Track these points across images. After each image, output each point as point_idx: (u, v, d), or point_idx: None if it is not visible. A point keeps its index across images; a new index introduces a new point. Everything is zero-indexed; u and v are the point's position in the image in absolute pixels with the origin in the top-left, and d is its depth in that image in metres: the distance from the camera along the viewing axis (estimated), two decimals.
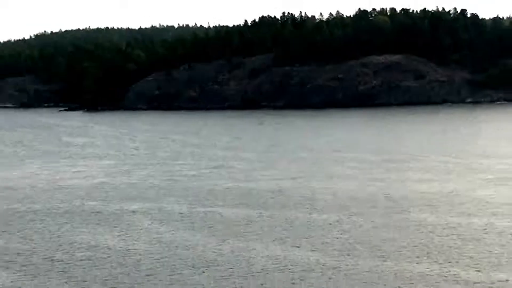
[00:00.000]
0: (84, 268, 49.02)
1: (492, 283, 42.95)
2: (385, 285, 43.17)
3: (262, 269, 47.42)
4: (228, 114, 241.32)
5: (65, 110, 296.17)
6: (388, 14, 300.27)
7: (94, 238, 57.72)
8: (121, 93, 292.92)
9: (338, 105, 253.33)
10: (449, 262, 47.50)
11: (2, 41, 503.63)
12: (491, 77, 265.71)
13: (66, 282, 45.74)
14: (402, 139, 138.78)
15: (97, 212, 69.00)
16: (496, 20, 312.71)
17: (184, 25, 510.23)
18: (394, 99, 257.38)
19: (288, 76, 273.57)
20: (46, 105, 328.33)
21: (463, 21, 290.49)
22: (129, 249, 53.77)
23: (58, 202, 75.25)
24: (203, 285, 44.31)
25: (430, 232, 56.51)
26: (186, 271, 47.52)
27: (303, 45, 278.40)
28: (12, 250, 54.40)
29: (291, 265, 47.96)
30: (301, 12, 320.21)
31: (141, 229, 60.68)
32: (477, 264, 46.99)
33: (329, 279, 44.62)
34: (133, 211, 68.57)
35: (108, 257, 51.74)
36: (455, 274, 44.84)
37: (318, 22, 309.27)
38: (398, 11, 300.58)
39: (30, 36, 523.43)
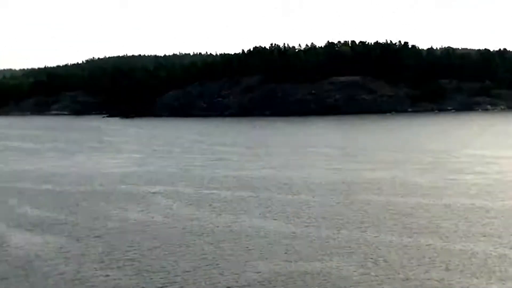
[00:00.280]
0: (115, 235, 49.09)
1: (419, 247, 43.10)
2: (339, 248, 43.30)
3: (247, 235, 47.50)
4: (228, 120, 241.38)
5: (106, 116, 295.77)
6: (350, 45, 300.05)
7: (123, 213, 57.80)
8: (149, 104, 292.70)
9: (312, 114, 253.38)
10: (388, 230, 47.64)
11: (61, 64, 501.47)
12: (426, 93, 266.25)
13: (101, 245, 45.83)
14: (357, 138, 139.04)
15: (126, 193, 69.10)
16: (430, 49, 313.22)
17: (197, 53, 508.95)
18: (353, 109, 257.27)
19: (274, 91, 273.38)
20: (93, 113, 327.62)
21: (405, 50, 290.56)
22: (149, 221, 53.83)
23: (98, 185, 75.47)
24: (204, 247, 44.44)
25: (375, 208, 56.72)
26: (191, 237, 47.58)
27: (285, 68, 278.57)
28: (61, 221, 54.50)
29: (270, 233, 48.05)
30: (284, 43, 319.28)
31: (159, 206, 60.73)
32: (409, 231, 47.14)
33: (297, 243, 44.79)
34: (153, 193, 68.64)
35: (133, 227, 51.82)
36: (390, 240, 44.99)
37: (297, 51, 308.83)
38: (357, 43, 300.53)
39: (82, 61, 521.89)
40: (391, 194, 63.96)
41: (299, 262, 40.06)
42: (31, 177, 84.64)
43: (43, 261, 42.16)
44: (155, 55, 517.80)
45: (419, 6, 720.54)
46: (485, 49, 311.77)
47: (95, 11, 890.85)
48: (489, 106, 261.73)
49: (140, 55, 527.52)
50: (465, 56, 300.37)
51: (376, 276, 36.91)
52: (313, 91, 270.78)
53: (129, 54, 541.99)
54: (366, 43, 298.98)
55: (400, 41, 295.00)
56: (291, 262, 40.19)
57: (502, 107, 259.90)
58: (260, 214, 55.50)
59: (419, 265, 38.87)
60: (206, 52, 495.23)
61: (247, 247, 44.15)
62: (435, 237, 45.45)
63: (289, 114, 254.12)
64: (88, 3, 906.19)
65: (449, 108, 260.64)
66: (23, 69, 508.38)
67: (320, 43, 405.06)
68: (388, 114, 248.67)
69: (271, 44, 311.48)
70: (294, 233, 47.94)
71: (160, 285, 36.24)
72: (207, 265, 40.04)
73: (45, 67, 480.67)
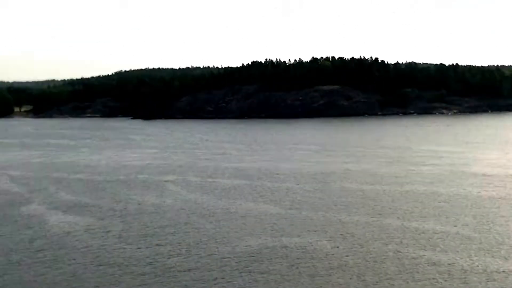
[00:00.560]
0: (133, 215, 49.26)
1: (380, 225, 43.32)
2: (315, 226, 43.50)
3: (241, 216, 47.68)
4: (231, 122, 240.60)
5: (131, 119, 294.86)
6: (330, 60, 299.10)
7: (141, 197, 57.92)
8: (166, 108, 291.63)
9: (299, 116, 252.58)
10: (356, 212, 47.86)
11: (94, 76, 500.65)
12: (393, 99, 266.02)
13: (121, 224, 46.02)
14: (336, 137, 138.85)
15: (144, 181, 69.15)
16: (396, 64, 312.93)
17: (206, 66, 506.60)
18: (333, 113, 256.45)
19: (268, 98, 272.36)
20: (120, 115, 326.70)
21: (376, 64, 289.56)
22: (161, 204, 53.98)
23: (120, 175, 75.45)
24: (205, 226, 44.62)
25: (347, 194, 56.87)
26: (195, 218, 47.78)
27: (278, 79, 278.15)
28: (89, 204, 54.63)
29: (260, 214, 48.26)
30: (277, 58, 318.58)
31: (170, 192, 60.83)
32: (373, 212, 47.37)
33: (281, 222, 45.00)
34: (166, 181, 68.66)
35: (148, 209, 51.98)
36: (357, 220, 45.19)
37: (288, 64, 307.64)
38: (336, 58, 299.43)
39: (112, 73, 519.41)
40: (361, 182, 64.13)
41: (282, 237, 40.29)
42: (67, 168, 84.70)
43: (74, 236, 42.39)
44: (172, 68, 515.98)
45: (388, 27, 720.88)
46: (441, 63, 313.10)
47: (123, 33, 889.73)
48: (444, 111, 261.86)
49: (159, 68, 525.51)
50: (425, 70, 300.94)
51: (344, 248, 37.18)
52: (300, 98, 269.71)
53: (150, 67, 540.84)
54: (344, 58, 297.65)
55: (371, 57, 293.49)
56: (275, 237, 40.41)
57: (455, 111, 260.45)
58: (252, 198, 55.65)
59: (379, 239, 39.13)
60: (213, 66, 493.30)
61: (241, 225, 44.38)
62: (394, 217, 45.69)
63: (280, 117, 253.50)
64: (116, 28, 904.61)
65: (412, 112, 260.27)
66: (64, 80, 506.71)
67: (306, 58, 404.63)
68: (362, 116, 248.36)
69: (266, 59, 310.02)
70: (279, 214, 48.15)
71: (169, 256, 36.50)
72: (207, 240, 40.26)
73: (81, 78, 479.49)
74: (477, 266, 33.01)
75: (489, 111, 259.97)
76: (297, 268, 33.36)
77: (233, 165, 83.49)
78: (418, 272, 32.01)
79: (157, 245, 39.22)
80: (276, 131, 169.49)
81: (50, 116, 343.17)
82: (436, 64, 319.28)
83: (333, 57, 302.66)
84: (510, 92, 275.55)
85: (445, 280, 30.72)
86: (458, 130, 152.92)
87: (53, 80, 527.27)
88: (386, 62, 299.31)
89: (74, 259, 36.34)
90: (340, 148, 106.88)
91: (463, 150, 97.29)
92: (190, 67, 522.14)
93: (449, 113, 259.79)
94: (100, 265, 34.98)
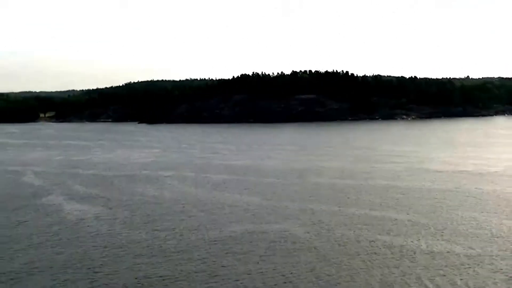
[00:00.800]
0: (136, 205, 49.24)
1: (347, 214, 43.65)
2: (291, 215, 43.74)
3: (228, 205, 47.83)
4: (223, 126, 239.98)
5: (137, 123, 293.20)
6: (308, 73, 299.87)
7: (144, 190, 57.89)
8: (168, 114, 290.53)
9: (282, 121, 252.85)
10: (327, 203, 48.13)
11: (108, 86, 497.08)
12: (361, 106, 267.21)
13: (126, 213, 46.01)
14: (312, 138, 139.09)
15: (146, 176, 69.04)
16: (364, 76, 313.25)
17: (202, 78, 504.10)
18: (310, 118, 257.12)
19: (255, 105, 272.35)
20: (128, 120, 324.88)
21: (347, 77, 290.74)
22: (161, 196, 53.98)
23: (127, 170, 75.23)
24: (197, 214, 44.71)
25: (319, 187, 57.15)
26: (190, 207, 47.86)
27: (263, 89, 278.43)
28: (99, 195, 54.52)
29: (244, 204, 48.44)
30: (262, 71, 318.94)
31: (168, 186, 60.85)
32: (341, 203, 47.68)
33: (262, 211, 45.20)
34: (166, 176, 68.57)
35: (150, 200, 51.97)
36: (328, 209, 45.50)
37: (272, 77, 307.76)
38: (313, 71, 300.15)
39: (122, 84, 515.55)
40: (331, 177, 64.43)
41: (262, 224, 40.52)
42: (82, 165, 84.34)
43: (85, 222, 42.37)
44: (173, 80, 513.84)
45: (357, 44, 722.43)
46: (402, 76, 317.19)
47: (131, 50, 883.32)
48: (404, 116, 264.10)
49: (162, 79, 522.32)
50: (388, 81, 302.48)
51: (314, 233, 37.48)
52: (282, 105, 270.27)
53: (155, 79, 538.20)
54: (319, 71, 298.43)
55: (343, 70, 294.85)
56: (256, 224, 40.63)
57: (414, 117, 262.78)
58: (238, 191, 55.77)
59: (344, 225, 39.47)
60: (209, 78, 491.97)
61: (227, 214, 44.54)
62: (358, 207, 46.06)
63: (266, 122, 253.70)
64: (123, 46, 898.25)
65: (377, 117, 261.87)
66: (81, 90, 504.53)
67: (287, 71, 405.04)
68: (334, 121, 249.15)
69: (253, 72, 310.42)
70: (261, 204, 48.35)
71: (165, 240, 36.61)
72: (198, 225, 40.41)
73: (96, 88, 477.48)
74: (425, 247, 33.47)
75: (442, 117, 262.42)
76: (273, 249, 33.63)
77: (223, 162, 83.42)
78: (375, 253, 32.41)
79: (155, 230, 39.32)
80: (261, 134, 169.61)
81: (70, 121, 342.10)
82: (398, 77, 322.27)
83: (310, 70, 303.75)
84: (460, 101, 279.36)
85: (397, 260, 31.14)
86: (415, 133, 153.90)
87: (73, 90, 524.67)
88: (355, 75, 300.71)
89: (85, 241, 36.41)
90: (315, 148, 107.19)
91: (419, 150, 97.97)
92: (189, 79, 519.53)
93: (409, 119, 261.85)
94: (106, 247, 35.08)
